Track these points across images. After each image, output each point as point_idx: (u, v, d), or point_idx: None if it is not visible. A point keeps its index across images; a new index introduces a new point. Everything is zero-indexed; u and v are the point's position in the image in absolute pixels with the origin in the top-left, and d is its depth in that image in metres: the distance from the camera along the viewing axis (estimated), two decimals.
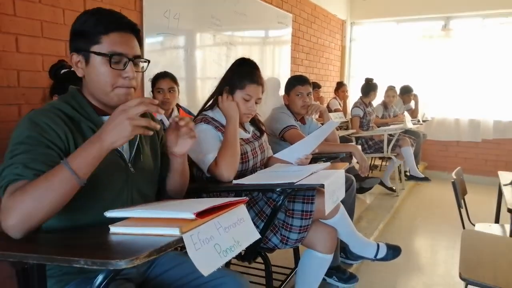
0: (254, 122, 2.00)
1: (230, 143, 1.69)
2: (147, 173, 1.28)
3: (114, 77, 1.12)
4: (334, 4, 6.07)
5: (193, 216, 0.93)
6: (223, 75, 1.88)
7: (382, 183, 4.54)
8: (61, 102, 1.14)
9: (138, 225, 0.96)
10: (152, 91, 2.60)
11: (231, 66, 1.86)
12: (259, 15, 4.30)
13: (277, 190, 1.58)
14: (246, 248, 1.71)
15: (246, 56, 1.90)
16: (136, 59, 1.16)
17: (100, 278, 0.84)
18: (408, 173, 5.05)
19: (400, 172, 4.74)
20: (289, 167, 1.82)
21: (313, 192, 1.76)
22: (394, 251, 2.03)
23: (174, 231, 0.88)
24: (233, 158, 1.67)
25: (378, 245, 2.05)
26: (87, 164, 0.95)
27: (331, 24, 6.09)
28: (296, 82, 2.65)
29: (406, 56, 6.20)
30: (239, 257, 1.73)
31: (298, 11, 5.08)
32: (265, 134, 2.02)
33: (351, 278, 2.25)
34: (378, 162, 5.72)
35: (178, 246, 0.86)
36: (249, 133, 1.93)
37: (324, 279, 2.29)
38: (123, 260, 0.75)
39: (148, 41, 2.87)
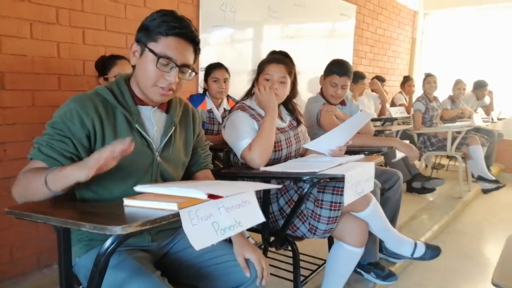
0: (293, 112, 2.02)
1: (266, 131, 1.73)
2: (173, 164, 1.34)
3: (157, 76, 1.19)
4: None
5: (205, 197, 1.01)
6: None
7: (481, 178, 4.27)
8: (105, 88, 1.24)
9: (150, 199, 1.04)
10: (206, 80, 2.68)
11: None
12: (320, 7, 4.24)
13: (303, 179, 1.59)
14: (274, 234, 1.78)
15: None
16: (183, 67, 1.21)
17: (107, 243, 0.93)
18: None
19: (467, 173, 4.42)
20: (321, 158, 1.82)
21: (343, 183, 1.74)
22: (433, 252, 1.94)
23: (173, 206, 0.95)
24: (267, 146, 1.72)
25: (415, 244, 1.97)
26: (55, 181, 1.00)
27: (400, 15, 5.81)
28: (335, 70, 2.47)
29: (484, 48, 5.71)
30: (267, 243, 1.78)
31: (364, 2, 4.93)
32: (302, 125, 2.02)
33: (390, 276, 2.18)
34: (445, 161, 5.37)
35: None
36: (285, 123, 1.95)
37: (361, 275, 2.26)
38: (118, 227, 0.84)
39: (203, 33, 3.00)
